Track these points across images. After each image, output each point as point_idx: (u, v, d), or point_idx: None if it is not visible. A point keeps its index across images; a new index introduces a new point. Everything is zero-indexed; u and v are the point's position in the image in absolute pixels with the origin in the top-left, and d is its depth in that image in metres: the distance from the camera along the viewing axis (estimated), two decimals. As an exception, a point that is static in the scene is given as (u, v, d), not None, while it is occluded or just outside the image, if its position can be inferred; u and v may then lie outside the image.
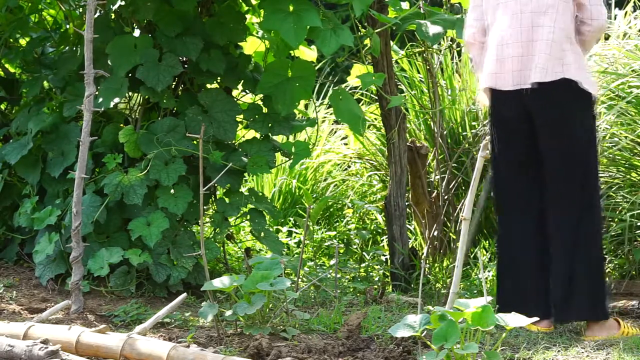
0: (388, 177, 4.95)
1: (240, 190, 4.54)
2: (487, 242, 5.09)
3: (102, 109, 4.27)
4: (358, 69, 4.99)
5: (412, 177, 4.97)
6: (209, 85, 4.67)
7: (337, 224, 5.98)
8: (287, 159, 4.83)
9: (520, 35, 3.74)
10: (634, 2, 5.42)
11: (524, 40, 3.73)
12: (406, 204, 4.81)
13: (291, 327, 3.57)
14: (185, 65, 4.55)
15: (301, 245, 4.35)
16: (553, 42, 3.68)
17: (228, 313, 3.50)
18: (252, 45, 4.90)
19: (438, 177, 5.08)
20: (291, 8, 4.20)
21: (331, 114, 6.35)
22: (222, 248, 4.71)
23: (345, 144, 6.52)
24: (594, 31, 3.78)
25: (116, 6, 4.58)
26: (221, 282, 3.48)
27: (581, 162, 3.75)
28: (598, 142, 3.88)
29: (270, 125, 4.52)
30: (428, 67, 5.10)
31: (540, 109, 3.73)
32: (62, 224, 4.29)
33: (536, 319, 3.88)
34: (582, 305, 3.76)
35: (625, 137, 4.78)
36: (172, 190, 4.28)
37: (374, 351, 3.35)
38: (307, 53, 5.04)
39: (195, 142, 4.37)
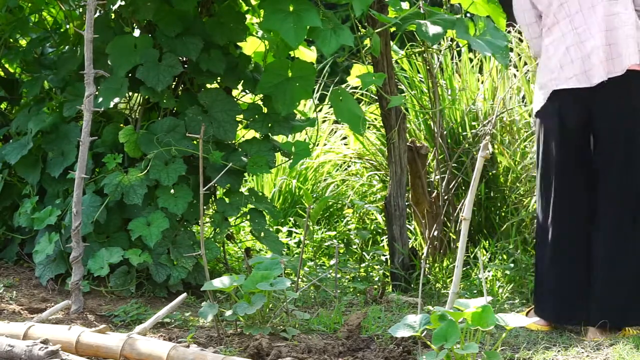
0: (388, 177, 4.95)
1: (240, 190, 4.54)
2: (487, 242, 5.09)
3: (102, 109, 4.27)
4: (358, 69, 4.98)
5: (412, 177, 4.97)
6: (209, 85, 4.67)
7: (337, 224, 5.98)
8: (287, 159, 4.82)
9: (599, 25, 3.72)
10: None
11: (603, 29, 3.71)
12: (406, 204, 4.81)
13: (291, 327, 3.57)
14: (185, 65, 4.55)
15: (301, 245, 4.35)
16: (630, 28, 3.70)
17: (228, 313, 3.50)
18: (252, 45, 4.90)
19: (438, 177, 5.08)
20: (291, 8, 4.20)
21: (331, 114, 6.35)
22: (222, 248, 4.71)
23: (345, 144, 6.51)
24: None
25: (116, 6, 4.58)
26: (221, 282, 3.48)
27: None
28: None
29: (270, 125, 4.52)
30: (428, 67, 5.09)
31: (613, 98, 3.71)
32: (62, 224, 4.28)
33: (536, 318, 3.89)
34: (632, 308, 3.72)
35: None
36: (172, 190, 4.28)
37: (374, 351, 3.35)
38: (307, 53, 5.04)
39: (195, 142, 4.37)
